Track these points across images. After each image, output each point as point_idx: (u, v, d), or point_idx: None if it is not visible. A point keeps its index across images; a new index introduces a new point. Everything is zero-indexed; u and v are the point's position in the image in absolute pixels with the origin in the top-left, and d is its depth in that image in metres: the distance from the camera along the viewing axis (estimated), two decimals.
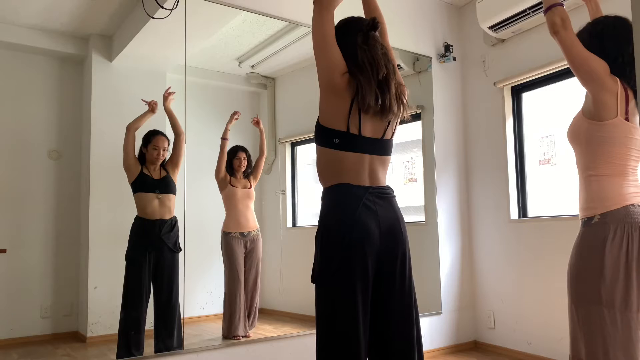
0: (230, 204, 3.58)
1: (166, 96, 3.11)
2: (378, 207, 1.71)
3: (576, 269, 1.83)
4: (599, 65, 1.80)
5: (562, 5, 1.86)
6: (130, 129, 2.98)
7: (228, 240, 3.52)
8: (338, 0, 1.75)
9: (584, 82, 1.84)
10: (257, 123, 3.78)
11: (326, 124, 1.73)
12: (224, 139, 3.55)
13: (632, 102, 1.82)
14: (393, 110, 1.73)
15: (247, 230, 3.57)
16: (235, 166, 3.61)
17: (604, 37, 1.87)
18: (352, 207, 1.68)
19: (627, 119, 1.81)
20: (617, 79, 1.81)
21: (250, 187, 3.65)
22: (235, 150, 3.62)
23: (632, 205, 1.79)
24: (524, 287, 3.62)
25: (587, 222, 1.84)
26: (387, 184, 1.80)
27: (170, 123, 3.11)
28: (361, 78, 1.69)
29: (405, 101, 1.78)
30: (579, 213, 1.92)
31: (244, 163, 3.64)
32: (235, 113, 3.61)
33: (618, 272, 1.74)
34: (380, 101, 1.69)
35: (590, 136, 1.86)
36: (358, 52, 1.72)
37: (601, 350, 1.73)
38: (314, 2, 1.73)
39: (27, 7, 2.89)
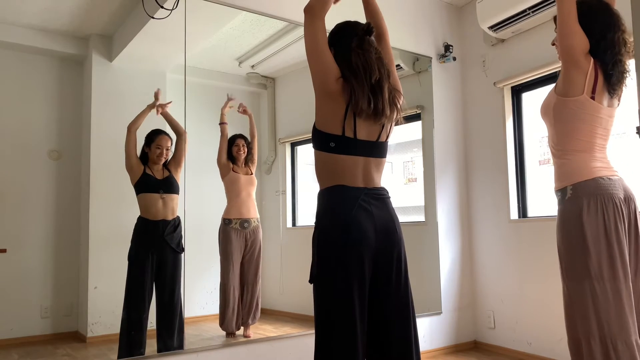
0: (233, 190, 3.59)
1: (161, 105, 3.12)
2: (373, 207, 1.72)
3: (563, 247, 1.93)
4: (580, 43, 1.89)
5: None
6: (131, 129, 2.97)
7: (227, 231, 3.52)
8: (328, 7, 1.76)
9: (561, 53, 1.94)
10: (244, 111, 3.80)
11: (322, 128, 1.75)
12: (222, 123, 3.56)
13: (600, 83, 1.92)
14: (386, 114, 1.74)
15: (247, 217, 3.57)
16: (234, 153, 3.63)
17: (591, 18, 1.94)
18: (348, 208, 1.69)
19: (592, 98, 1.91)
20: (592, 59, 1.91)
21: (252, 174, 3.68)
22: (234, 138, 3.65)
23: (601, 177, 1.89)
24: (524, 287, 3.62)
25: (562, 197, 1.95)
26: (382, 185, 1.81)
27: (170, 125, 3.11)
28: (354, 81, 1.70)
29: (399, 104, 1.80)
30: (554, 186, 2.03)
31: (243, 149, 3.66)
32: (229, 100, 3.63)
33: (600, 245, 1.82)
34: (372, 105, 1.70)
35: (557, 112, 1.97)
36: (352, 55, 1.74)
37: (595, 324, 1.81)
38: (305, 11, 1.75)
39: (27, 7, 2.89)
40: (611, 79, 1.92)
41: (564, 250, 1.93)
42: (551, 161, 3.61)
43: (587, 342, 1.82)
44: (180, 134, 3.09)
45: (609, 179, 1.90)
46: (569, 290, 1.91)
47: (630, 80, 1.98)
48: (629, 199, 1.90)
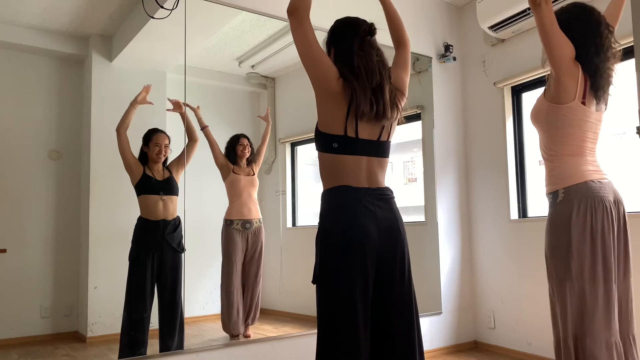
0: (234, 192, 3.57)
1: (178, 103, 3.12)
2: (377, 208, 1.72)
3: (550, 249, 1.96)
4: (569, 52, 1.91)
5: None
6: (120, 130, 2.93)
7: (229, 232, 3.51)
8: (309, 3, 1.69)
9: (552, 63, 1.94)
10: (267, 116, 3.85)
11: (324, 129, 1.74)
12: (204, 127, 3.45)
13: (588, 88, 1.95)
14: (387, 116, 1.75)
15: (249, 218, 3.56)
16: (238, 152, 3.60)
17: (575, 26, 1.95)
18: (351, 208, 1.69)
19: (583, 103, 1.94)
20: (579, 64, 1.93)
21: (254, 174, 3.65)
22: (237, 137, 3.63)
23: (592, 181, 1.92)
24: (524, 287, 3.62)
25: (554, 200, 1.98)
26: (386, 185, 1.81)
27: (186, 129, 3.13)
28: (356, 84, 1.69)
29: (400, 105, 1.79)
30: (545, 189, 2.06)
31: (248, 149, 3.63)
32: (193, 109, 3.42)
33: (585, 247, 1.86)
34: (375, 108, 1.71)
35: (549, 118, 1.99)
36: (354, 58, 1.73)
37: (571, 323, 1.85)
38: (289, 14, 1.67)
39: (27, 7, 2.89)
40: (596, 85, 1.95)
41: (550, 253, 1.96)
42: None
43: (565, 341, 1.87)
44: (194, 140, 3.14)
45: (599, 182, 1.93)
46: (554, 291, 1.95)
47: (613, 87, 2.00)
48: (618, 202, 1.94)
